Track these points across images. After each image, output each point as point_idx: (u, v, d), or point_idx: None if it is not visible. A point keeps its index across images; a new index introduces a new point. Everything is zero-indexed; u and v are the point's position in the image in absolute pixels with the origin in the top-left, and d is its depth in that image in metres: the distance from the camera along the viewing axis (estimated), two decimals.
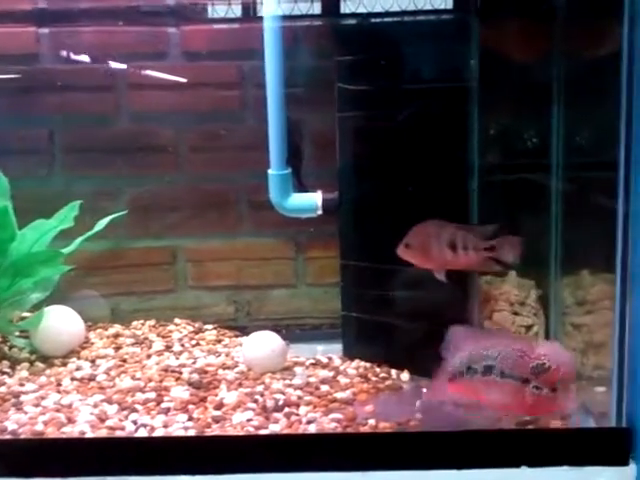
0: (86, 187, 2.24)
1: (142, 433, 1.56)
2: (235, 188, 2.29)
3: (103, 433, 1.56)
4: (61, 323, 2.07)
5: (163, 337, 2.19)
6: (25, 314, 2.17)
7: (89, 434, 1.57)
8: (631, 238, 1.41)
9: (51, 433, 1.57)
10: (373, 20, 1.96)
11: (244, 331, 2.24)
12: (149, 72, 2.24)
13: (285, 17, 2.04)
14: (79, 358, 2.05)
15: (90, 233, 2.09)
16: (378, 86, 1.91)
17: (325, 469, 1.39)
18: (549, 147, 1.78)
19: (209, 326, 2.26)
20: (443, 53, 1.80)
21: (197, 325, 2.26)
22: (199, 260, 2.33)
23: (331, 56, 2.02)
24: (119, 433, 1.57)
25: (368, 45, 1.94)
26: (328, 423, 1.58)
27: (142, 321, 2.29)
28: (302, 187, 2.14)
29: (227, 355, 2.06)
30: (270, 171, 2.08)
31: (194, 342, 2.15)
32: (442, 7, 1.85)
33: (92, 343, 2.15)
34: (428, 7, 1.84)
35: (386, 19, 1.92)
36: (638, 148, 1.37)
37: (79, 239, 2.08)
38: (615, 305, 1.44)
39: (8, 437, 1.56)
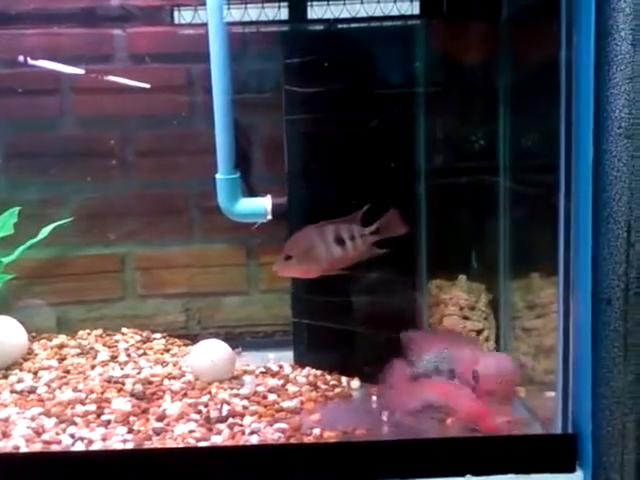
0: (30, 194, 2.18)
1: (79, 447, 1.50)
2: (185, 194, 2.25)
3: (38, 447, 1.50)
4: (2, 334, 2.01)
5: (109, 347, 2.13)
6: None
7: (23, 448, 1.50)
8: (573, 240, 1.38)
9: None
10: (321, 24, 1.92)
11: (195, 340, 2.19)
12: (94, 75, 2.18)
13: (232, 22, 1.99)
14: (21, 370, 1.99)
15: (33, 241, 2.04)
16: (325, 89, 1.88)
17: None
18: (496, 150, 1.75)
19: (157, 335, 2.20)
20: (390, 56, 1.78)
21: (145, 334, 2.20)
22: (148, 267, 2.27)
23: (279, 59, 1.98)
24: (55, 447, 1.50)
25: (315, 48, 1.91)
26: (272, 433, 1.54)
27: (88, 331, 2.23)
28: (251, 192, 2.10)
29: (174, 365, 2.01)
30: (218, 175, 2.04)
31: (141, 352, 2.10)
32: (390, 13, 1.82)
33: (36, 354, 2.09)
34: (377, 12, 1.81)
35: (336, 23, 1.88)
36: (579, 150, 1.35)
37: (21, 247, 2.02)
38: (559, 308, 1.41)
39: None
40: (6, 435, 1.58)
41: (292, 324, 2.03)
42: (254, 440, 1.50)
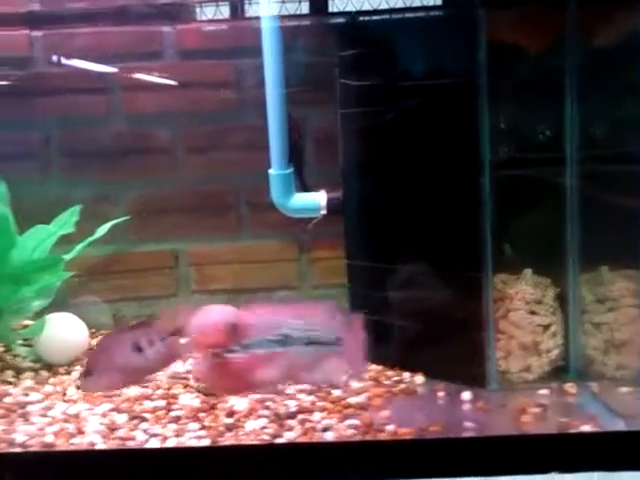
0: (84, 191, 2.19)
1: (154, 443, 1.50)
2: (236, 189, 2.24)
3: (115, 444, 1.51)
4: (65, 330, 2.03)
5: None
6: (27, 322, 2.12)
7: (100, 445, 1.51)
8: None
9: (61, 445, 1.51)
10: (377, 15, 1.91)
11: None
12: (144, 73, 2.18)
13: (284, 16, 1.99)
14: (83, 366, 1.99)
15: (92, 239, 2.05)
16: (382, 81, 1.87)
17: (347, 478, 1.34)
18: (563, 140, 1.73)
19: None
20: (449, 47, 1.76)
21: None
22: (201, 263, 2.27)
23: (332, 53, 1.96)
24: (130, 443, 1.51)
25: (371, 39, 1.89)
26: (344, 430, 1.53)
27: None
28: (305, 187, 2.10)
29: None
30: (271, 171, 2.03)
31: None
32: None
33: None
34: (436, 1, 1.79)
35: (392, 14, 1.87)
36: None
37: (80, 245, 2.03)
38: None
39: (18, 450, 1.50)
40: (80, 432, 1.58)
41: None
42: (329, 437, 1.49)
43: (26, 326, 2.13)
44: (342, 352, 1.44)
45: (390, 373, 1.88)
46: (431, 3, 1.81)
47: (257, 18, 1.99)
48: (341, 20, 1.96)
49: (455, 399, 1.69)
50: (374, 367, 1.92)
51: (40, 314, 2.08)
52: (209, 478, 1.40)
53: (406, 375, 1.86)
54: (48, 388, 1.87)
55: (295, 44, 2.08)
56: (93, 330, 2.17)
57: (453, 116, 1.76)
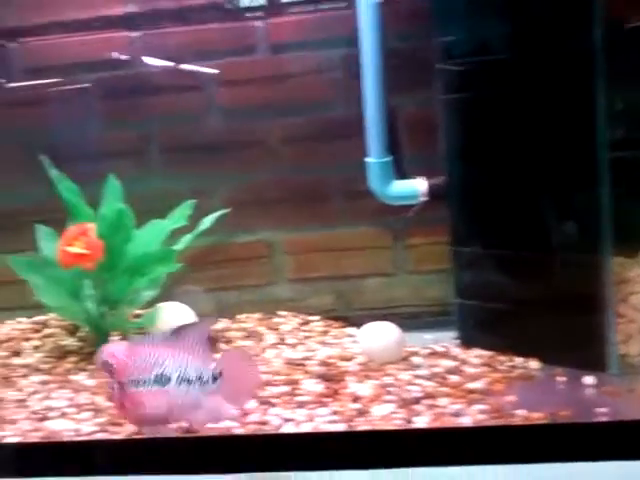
0: (184, 185, 2.24)
1: (290, 428, 1.55)
2: (330, 178, 2.28)
3: (252, 429, 1.56)
4: (176, 319, 2.08)
5: (273, 330, 2.18)
6: (138, 312, 2.18)
7: (238, 430, 1.56)
8: None
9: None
10: None
11: (347, 322, 2.24)
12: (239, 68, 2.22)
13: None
14: None
15: (198, 231, 2.10)
16: (486, 65, 1.87)
17: (487, 461, 1.38)
18: None
19: (314, 317, 2.24)
20: (562, 24, 1.74)
21: (302, 317, 2.24)
22: (297, 252, 2.31)
23: (430, 36, 1.97)
24: (266, 428, 1.56)
25: (474, 21, 1.90)
26: (474, 415, 1.56)
27: (246, 315, 2.28)
28: (403, 174, 2.12)
29: (340, 346, 2.04)
30: (369, 159, 2.06)
31: (304, 334, 2.14)
32: None
33: None
34: None
35: None
36: None
37: (188, 236, 2.09)
38: None
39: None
40: None
41: (457, 305, 2.04)
42: (465, 422, 1.52)
43: (137, 316, 2.19)
44: (221, 389, 1.49)
45: (502, 358, 1.89)
46: None
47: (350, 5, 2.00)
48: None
49: (576, 384, 1.70)
50: (484, 353, 1.94)
51: (149, 304, 2.14)
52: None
53: (519, 360, 1.87)
54: None
55: (391, 29, 2.09)
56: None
57: (567, 97, 1.76)
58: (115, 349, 1.54)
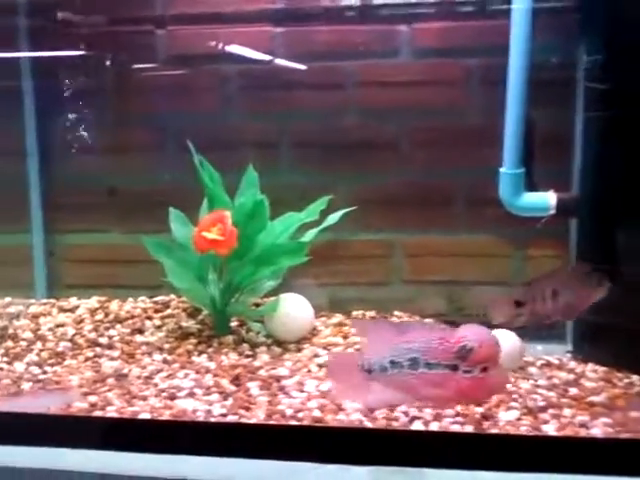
0: (313, 181, 2.31)
1: (417, 426, 1.60)
2: (456, 185, 2.31)
3: (382, 424, 1.61)
4: (295, 310, 2.16)
5: None
6: (257, 300, 2.26)
7: (367, 423, 1.62)
8: None
9: (330, 420, 1.63)
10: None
11: (456, 326, 2.26)
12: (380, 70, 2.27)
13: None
14: (312, 344, 2.11)
15: (324, 226, 2.16)
16: (631, 86, 1.88)
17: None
18: None
19: (429, 320, 2.28)
20: None
21: (417, 318, 2.29)
22: (416, 255, 2.35)
23: (574, 53, 2.00)
24: (395, 424, 1.62)
25: (621, 41, 1.91)
26: (601, 427, 1.59)
27: (362, 311, 2.34)
28: (533, 186, 2.15)
29: None
30: (503, 169, 2.09)
31: None
32: None
33: (319, 330, 2.21)
34: None
35: None
36: None
37: (313, 231, 2.15)
38: None
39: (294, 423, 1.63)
40: (340, 409, 1.70)
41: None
42: (595, 433, 1.55)
43: (256, 304, 2.27)
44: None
45: (619, 375, 1.91)
46: None
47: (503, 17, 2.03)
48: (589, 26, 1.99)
49: None
50: (599, 368, 1.96)
51: (269, 294, 2.21)
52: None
53: (635, 378, 1.88)
54: (288, 364, 1.98)
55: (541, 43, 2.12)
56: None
57: None
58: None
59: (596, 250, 2.02)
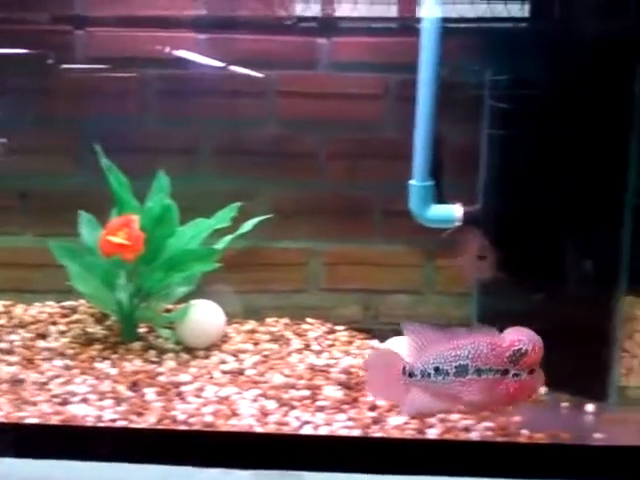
0: (230, 187, 2.33)
1: (307, 430, 1.63)
2: (370, 196, 2.35)
3: (271, 428, 1.64)
4: (206, 317, 2.17)
5: (299, 335, 2.26)
6: (169, 306, 2.27)
7: (258, 428, 1.64)
8: None
9: (221, 425, 1.65)
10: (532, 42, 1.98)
11: (371, 334, 2.31)
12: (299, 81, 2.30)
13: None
14: (221, 351, 2.13)
15: (239, 233, 2.18)
16: (532, 107, 1.95)
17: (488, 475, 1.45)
18: None
19: (340, 327, 2.31)
20: (605, 75, 1.83)
21: (329, 326, 2.32)
22: (333, 263, 2.38)
23: (479, 73, 2.07)
24: (286, 429, 1.64)
25: (523, 63, 1.97)
26: (483, 431, 1.63)
27: (276, 318, 2.36)
28: (441, 199, 2.20)
29: (362, 357, 2.11)
30: (412, 182, 2.14)
31: (329, 342, 2.22)
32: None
33: (230, 337, 2.23)
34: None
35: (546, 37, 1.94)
36: None
37: (227, 238, 2.17)
38: None
39: (182, 427, 1.65)
40: (235, 414, 1.72)
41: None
42: (473, 436, 1.59)
43: (168, 310, 2.28)
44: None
45: None
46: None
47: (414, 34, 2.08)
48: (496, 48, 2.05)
49: (580, 411, 1.77)
50: None
51: (181, 300, 2.22)
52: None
53: None
54: (193, 370, 1.99)
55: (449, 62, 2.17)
56: (226, 319, 2.28)
57: (602, 142, 1.85)
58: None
59: (497, 262, 2.07)
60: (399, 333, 2.07)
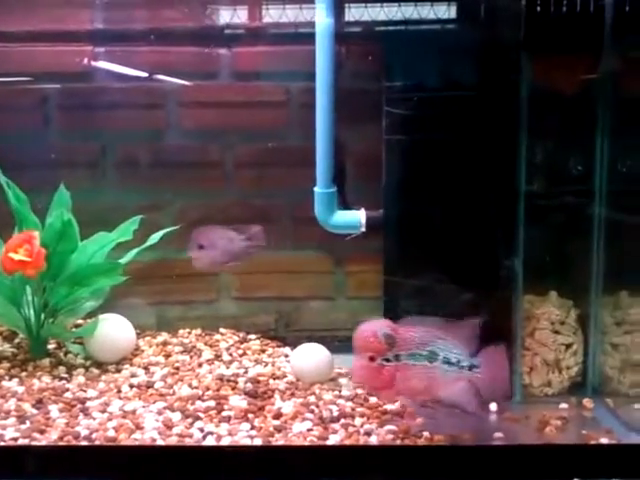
0: (136, 200, 2.33)
1: (210, 441, 1.64)
2: (278, 204, 2.38)
3: (174, 440, 1.64)
4: (115, 331, 2.17)
5: (211, 346, 2.27)
6: (79, 321, 2.26)
7: (159, 441, 1.65)
8: None
9: (123, 439, 1.65)
10: (424, 47, 2.04)
11: (285, 341, 2.34)
12: (200, 91, 2.32)
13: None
14: (132, 365, 2.13)
15: (144, 246, 2.18)
16: (426, 111, 2.00)
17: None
18: (592, 175, 1.88)
19: (252, 336, 2.33)
20: (494, 83, 1.90)
21: (241, 335, 2.33)
22: (243, 272, 2.40)
23: (379, 80, 2.11)
24: (188, 441, 1.65)
25: (417, 73, 2.03)
26: (384, 435, 1.67)
27: (188, 330, 2.37)
28: (345, 205, 2.23)
29: (273, 365, 2.14)
30: (316, 189, 2.17)
31: (241, 352, 2.24)
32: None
33: (142, 350, 2.23)
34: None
35: (437, 50, 2.00)
36: None
37: (134, 251, 2.17)
38: None
39: (84, 443, 1.64)
40: (139, 427, 1.72)
41: None
42: (373, 441, 1.63)
43: (77, 325, 2.27)
44: (479, 380, 1.60)
45: None
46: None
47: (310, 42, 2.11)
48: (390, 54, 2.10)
49: (484, 410, 1.82)
50: None
51: (91, 314, 2.22)
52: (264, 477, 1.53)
53: None
54: (101, 385, 1.99)
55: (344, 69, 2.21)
56: (138, 331, 2.29)
57: (495, 147, 1.92)
58: (395, 326, 1.63)
59: (400, 265, 2.11)
60: (311, 340, 2.12)
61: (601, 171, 1.88)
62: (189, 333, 2.36)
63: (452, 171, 2.00)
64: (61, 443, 1.63)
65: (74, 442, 1.64)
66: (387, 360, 1.61)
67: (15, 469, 1.55)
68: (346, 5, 2.22)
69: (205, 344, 2.28)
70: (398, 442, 1.63)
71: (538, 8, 1.87)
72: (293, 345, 2.21)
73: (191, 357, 2.20)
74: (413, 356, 1.62)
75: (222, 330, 2.37)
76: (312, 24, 2.16)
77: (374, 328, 1.62)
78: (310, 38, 2.17)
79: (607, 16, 1.86)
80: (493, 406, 1.85)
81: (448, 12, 2.18)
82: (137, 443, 1.63)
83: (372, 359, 1.61)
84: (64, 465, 1.55)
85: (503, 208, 1.89)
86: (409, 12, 2.20)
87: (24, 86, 2.34)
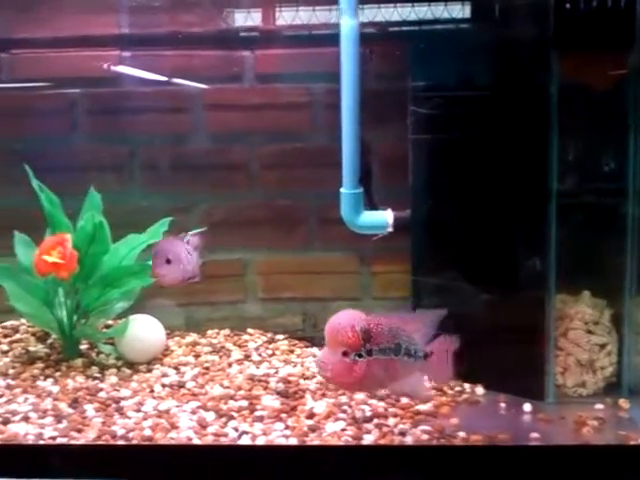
0: (163, 202, 2.36)
1: (245, 440, 1.65)
2: (304, 205, 2.38)
3: (209, 440, 1.65)
4: (146, 331, 2.18)
5: (239, 346, 2.28)
6: (110, 322, 2.28)
7: (196, 440, 1.66)
8: None
9: (160, 439, 1.66)
10: (451, 48, 2.04)
11: (312, 342, 2.34)
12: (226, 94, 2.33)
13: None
14: (162, 365, 2.15)
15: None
16: (453, 111, 2.00)
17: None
18: (625, 173, 1.87)
19: (280, 336, 2.34)
20: (522, 78, 1.90)
21: (269, 335, 2.34)
22: (270, 273, 2.41)
23: (404, 78, 2.11)
24: (223, 440, 1.66)
25: (443, 71, 2.03)
26: (419, 435, 1.67)
27: (217, 330, 2.38)
28: (372, 205, 2.24)
29: (302, 365, 2.14)
30: (342, 190, 2.18)
31: (270, 352, 2.25)
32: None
33: (172, 350, 2.25)
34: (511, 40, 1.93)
35: (463, 49, 2.00)
36: None
37: None
38: None
39: (121, 442, 1.65)
40: (174, 427, 1.73)
41: None
42: (408, 440, 1.63)
43: (108, 326, 2.28)
44: (427, 366, 1.58)
45: (451, 383, 2.00)
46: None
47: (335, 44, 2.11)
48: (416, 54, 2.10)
49: (517, 410, 1.82)
50: None
51: (122, 315, 2.23)
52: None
53: (466, 386, 1.98)
54: (134, 385, 2.00)
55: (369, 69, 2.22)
56: (167, 332, 2.31)
57: (525, 146, 1.91)
58: (369, 318, 1.61)
59: (429, 266, 2.12)
60: None
61: (634, 168, 1.87)
62: (217, 333, 2.38)
63: (480, 170, 1.99)
64: (100, 442, 1.63)
65: (112, 441, 1.64)
66: (359, 356, 1.58)
67: (52, 468, 1.56)
68: (373, 5, 2.22)
69: (234, 344, 2.30)
70: (434, 442, 1.62)
71: (567, 4, 1.85)
72: (321, 345, 2.21)
73: (220, 357, 2.21)
74: (383, 351, 1.60)
75: (250, 330, 2.37)
76: (335, 25, 2.16)
77: (352, 322, 1.59)
78: (334, 39, 2.17)
79: (638, 10, 1.84)
80: (527, 406, 1.84)
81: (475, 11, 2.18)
82: (174, 442, 1.63)
83: (345, 354, 1.58)
84: (102, 464, 1.56)
85: (534, 207, 1.88)
86: (435, 11, 2.19)
87: (53, 91, 2.36)
